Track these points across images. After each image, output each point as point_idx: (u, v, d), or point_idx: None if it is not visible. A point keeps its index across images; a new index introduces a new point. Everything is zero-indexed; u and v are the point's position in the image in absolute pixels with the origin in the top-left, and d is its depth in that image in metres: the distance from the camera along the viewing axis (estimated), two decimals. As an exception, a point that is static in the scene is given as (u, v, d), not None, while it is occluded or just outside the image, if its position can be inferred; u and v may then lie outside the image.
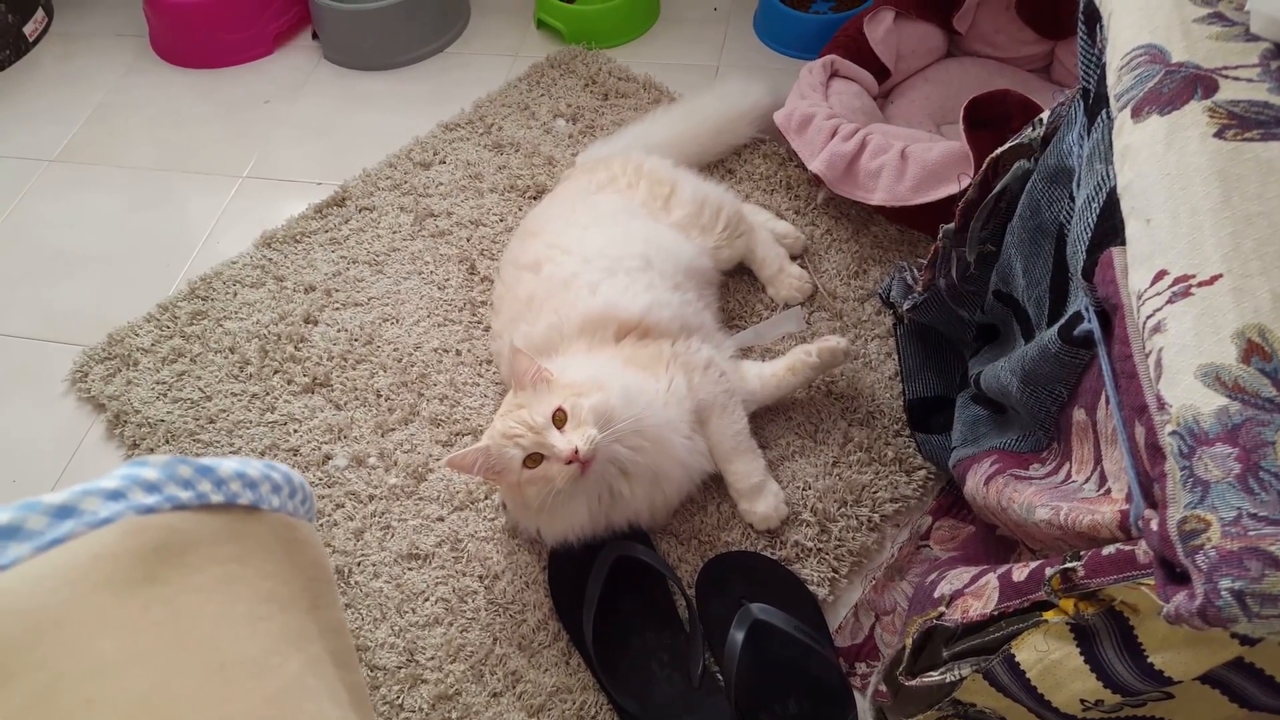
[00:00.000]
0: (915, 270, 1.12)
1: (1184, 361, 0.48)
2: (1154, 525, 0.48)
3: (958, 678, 0.69)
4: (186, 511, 0.31)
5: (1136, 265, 0.54)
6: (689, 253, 1.18)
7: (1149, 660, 0.55)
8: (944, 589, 0.76)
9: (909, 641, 0.75)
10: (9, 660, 0.26)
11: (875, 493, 1.08)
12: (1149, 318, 0.51)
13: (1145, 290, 0.52)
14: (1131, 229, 0.55)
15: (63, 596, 0.27)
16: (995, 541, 0.92)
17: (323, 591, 0.36)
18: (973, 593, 0.70)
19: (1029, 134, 0.84)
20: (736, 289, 1.29)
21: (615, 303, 1.06)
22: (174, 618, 0.29)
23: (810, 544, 1.04)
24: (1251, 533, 0.42)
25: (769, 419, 1.15)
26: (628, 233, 1.15)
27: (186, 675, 0.28)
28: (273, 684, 0.30)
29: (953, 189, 1.14)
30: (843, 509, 1.07)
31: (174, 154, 1.65)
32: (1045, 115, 0.83)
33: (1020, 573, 0.65)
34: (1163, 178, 0.53)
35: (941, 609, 0.72)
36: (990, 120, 1.16)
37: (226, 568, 0.31)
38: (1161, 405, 0.48)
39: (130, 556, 0.29)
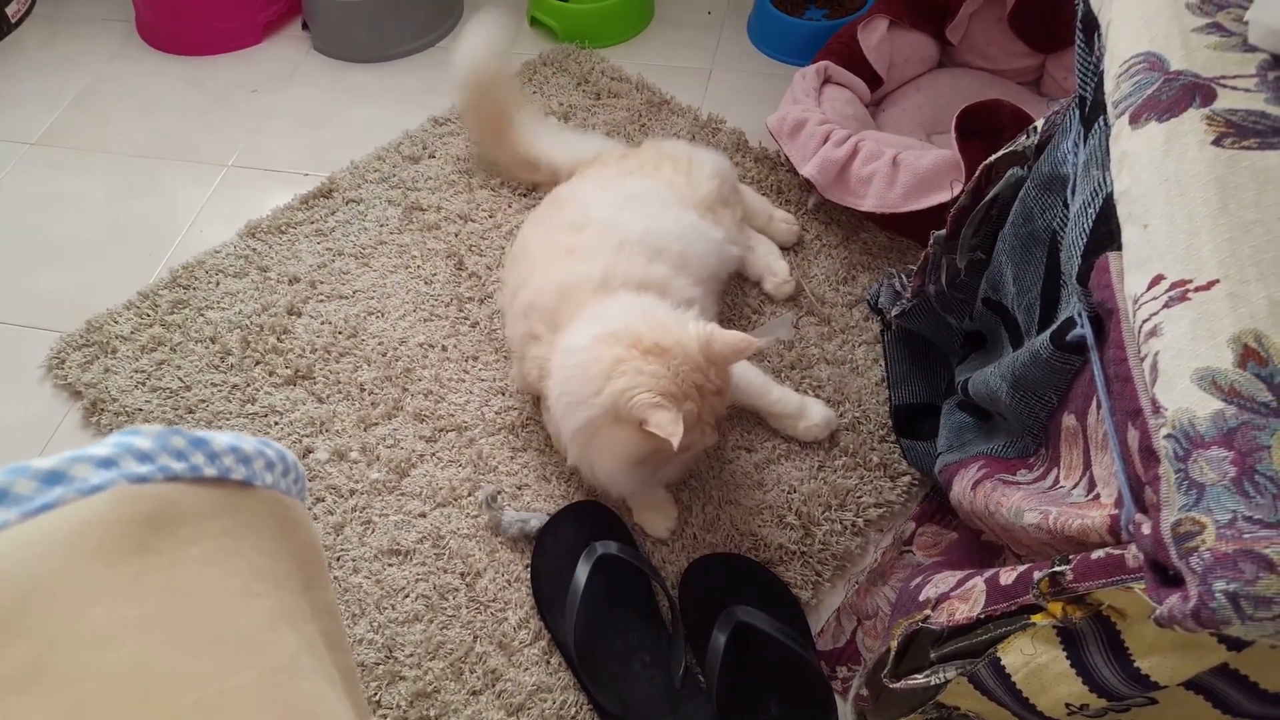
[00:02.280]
0: (904, 277, 1.12)
1: (1180, 365, 0.48)
2: (1146, 529, 0.48)
3: (942, 681, 0.68)
4: (180, 483, 0.31)
5: (1133, 270, 0.54)
6: (716, 248, 1.17)
7: (1135, 665, 0.55)
8: (929, 592, 0.76)
9: (894, 644, 0.75)
10: None
11: (860, 497, 1.08)
12: (1145, 322, 0.51)
13: (1141, 295, 0.52)
14: (1128, 234, 0.55)
15: (53, 563, 0.26)
16: (979, 548, 0.92)
17: (316, 573, 0.35)
18: (959, 596, 0.70)
19: (1023, 141, 0.84)
20: (729, 290, 1.29)
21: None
22: (168, 588, 0.28)
23: (794, 547, 1.04)
24: (1246, 535, 0.42)
25: (755, 421, 1.15)
26: (661, 219, 1.13)
27: (183, 647, 0.27)
28: (270, 661, 0.29)
29: (943, 197, 1.15)
30: (827, 513, 1.07)
31: (159, 141, 1.63)
32: (1039, 123, 0.83)
33: (1008, 576, 0.65)
34: (1161, 183, 0.54)
35: (927, 612, 0.72)
36: (982, 130, 1.16)
37: (221, 541, 0.31)
38: (1157, 409, 0.48)
39: (122, 525, 0.28)
